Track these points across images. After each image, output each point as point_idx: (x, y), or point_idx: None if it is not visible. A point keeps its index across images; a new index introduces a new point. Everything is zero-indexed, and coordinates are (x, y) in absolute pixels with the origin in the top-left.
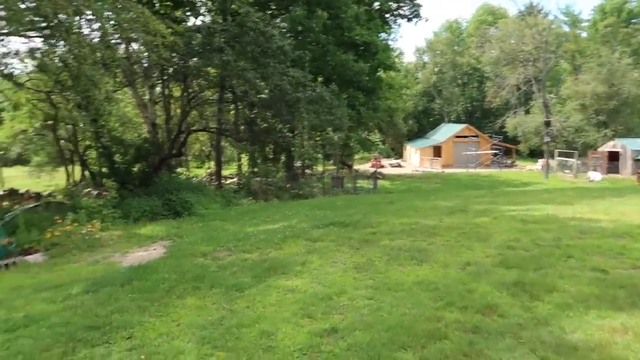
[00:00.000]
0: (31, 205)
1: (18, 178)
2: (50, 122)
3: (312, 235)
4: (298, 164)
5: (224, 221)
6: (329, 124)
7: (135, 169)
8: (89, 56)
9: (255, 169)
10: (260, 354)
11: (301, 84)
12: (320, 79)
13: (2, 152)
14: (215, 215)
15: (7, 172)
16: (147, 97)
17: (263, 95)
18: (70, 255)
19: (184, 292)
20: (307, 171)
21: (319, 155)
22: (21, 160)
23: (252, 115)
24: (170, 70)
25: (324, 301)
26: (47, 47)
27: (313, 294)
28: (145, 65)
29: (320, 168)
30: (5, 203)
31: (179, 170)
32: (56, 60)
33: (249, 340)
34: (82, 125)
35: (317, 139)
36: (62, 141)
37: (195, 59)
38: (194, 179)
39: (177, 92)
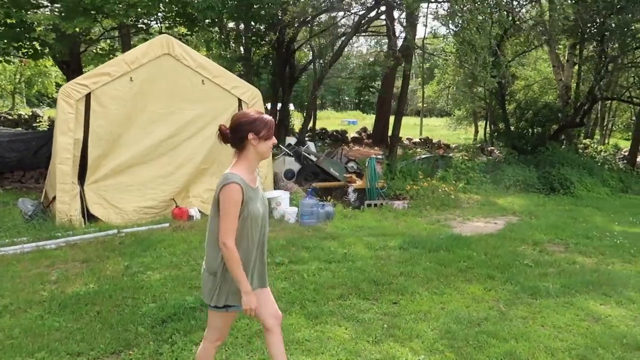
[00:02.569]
0: (423, 156)
1: (439, 128)
2: (469, 81)
3: None
4: None
5: (597, 209)
6: None
7: (529, 134)
8: (472, 21)
9: None
10: None
11: None
12: None
13: (425, 105)
14: (594, 200)
15: (433, 121)
16: (564, 58)
17: None
18: (422, 209)
19: (475, 277)
20: None
21: None
22: (444, 112)
23: None
24: (590, 28)
25: (625, 349)
26: (448, 13)
27: (619, 334)
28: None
29: None
30: (418, 150)
31: (587, 141)
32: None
33: (489, 355)
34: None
35: None
36: (477, 98)
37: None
38: (602, 153)
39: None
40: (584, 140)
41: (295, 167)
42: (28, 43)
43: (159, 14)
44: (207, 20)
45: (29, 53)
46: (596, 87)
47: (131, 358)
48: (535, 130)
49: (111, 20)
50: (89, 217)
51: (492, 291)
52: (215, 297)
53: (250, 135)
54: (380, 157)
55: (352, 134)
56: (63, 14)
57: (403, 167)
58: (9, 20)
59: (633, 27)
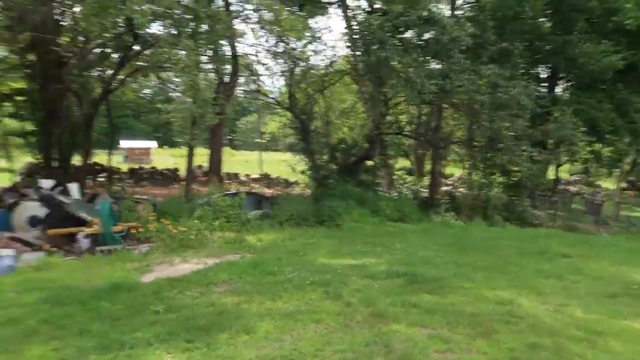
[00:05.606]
0: (227, 193)
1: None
2: None
3: (356, 287)
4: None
5: (338, 239)
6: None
7: (331, 169)
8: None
9: (477, 178)
10: None
11: (493, 85)
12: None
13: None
14: (350, 231)
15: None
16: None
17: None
18: (155, 252)
19: (43, 334)
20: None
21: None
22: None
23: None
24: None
25: None
26: None
27: None
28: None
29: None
30: (254, 185)
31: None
32: None
33: None
34: None
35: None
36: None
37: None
38: (404, 186)
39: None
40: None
41: (42, 212)
42: None
43: None
44: None
45: None
46: (379, 124)
47: None
48: (333, 165)
49: None
50: None
51: (56, 351)
52: None
53: None
54: (146, 197)
55: (184, 171)
56: None
57: (167, 208)
58: None
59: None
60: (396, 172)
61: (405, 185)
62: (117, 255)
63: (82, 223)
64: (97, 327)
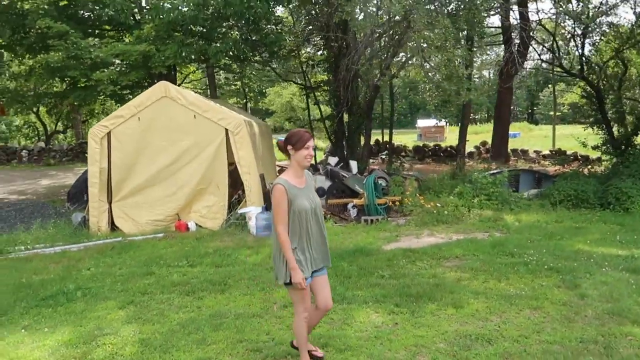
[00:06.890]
0: (492, 172)
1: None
2: None
3: (604, 279)
4: None
5: (619, 225)
6: None
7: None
8: None
9: None
10: None
11: None
12: None
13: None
14: None
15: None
16: None
17: None
18: (409, 224)
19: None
20: None
21: None
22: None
23: None
24: None
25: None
26: None
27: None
28: None
29: None
30: (544, 162)
31: None
32: None
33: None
34: None
35: None
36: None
37: None
38: None
39: None
40: None
41: (327, 185)
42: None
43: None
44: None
45: (116, 99)
46: None
47: None
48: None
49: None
50: (115, 227)
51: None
52: (282, 275)
53: (289, 147)
54: (412, 174)
55: (469, 148)
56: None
57: (431, 184)
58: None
59: None
60: None
61: None
62: (377, 225)
63: (356, 195)
64: (329, 282)
